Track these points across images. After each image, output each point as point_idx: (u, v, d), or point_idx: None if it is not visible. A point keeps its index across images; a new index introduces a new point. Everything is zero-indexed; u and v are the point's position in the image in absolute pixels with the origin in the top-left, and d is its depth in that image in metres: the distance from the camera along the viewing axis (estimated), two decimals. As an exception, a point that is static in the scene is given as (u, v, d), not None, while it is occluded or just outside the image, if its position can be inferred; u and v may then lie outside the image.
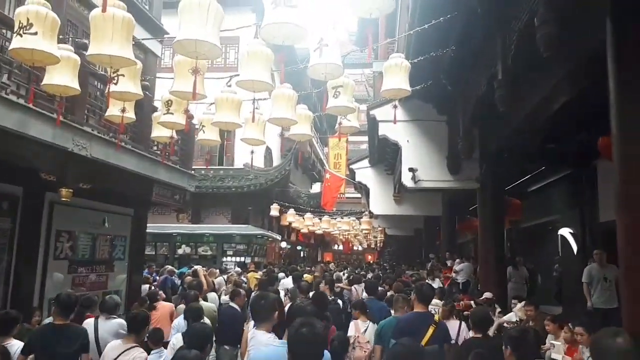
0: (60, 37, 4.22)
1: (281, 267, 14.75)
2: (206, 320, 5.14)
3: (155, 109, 6.66)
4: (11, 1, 6.18)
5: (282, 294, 7.45)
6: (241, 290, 6.76)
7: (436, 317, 4.52)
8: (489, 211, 8.65)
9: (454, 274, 11.07)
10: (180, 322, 5.30)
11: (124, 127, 6.25)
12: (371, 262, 27.92)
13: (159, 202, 9.09)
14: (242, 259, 16.31)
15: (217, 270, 11.00)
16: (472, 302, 7.24)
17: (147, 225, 9.78)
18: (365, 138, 14.69)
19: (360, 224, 21.48)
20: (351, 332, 5.00)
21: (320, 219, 21.09)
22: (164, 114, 5.11)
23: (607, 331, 2.32)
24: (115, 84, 4.28)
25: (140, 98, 4.73)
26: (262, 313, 3.42)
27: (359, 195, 23.43)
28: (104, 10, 3.28)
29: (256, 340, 3.32)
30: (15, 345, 3.91)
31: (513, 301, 6.77)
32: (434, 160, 9.48)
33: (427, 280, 9.22)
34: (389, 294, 7.00)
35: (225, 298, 7.81)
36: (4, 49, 4.93)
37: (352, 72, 15.39)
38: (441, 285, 9.52)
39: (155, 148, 8.18)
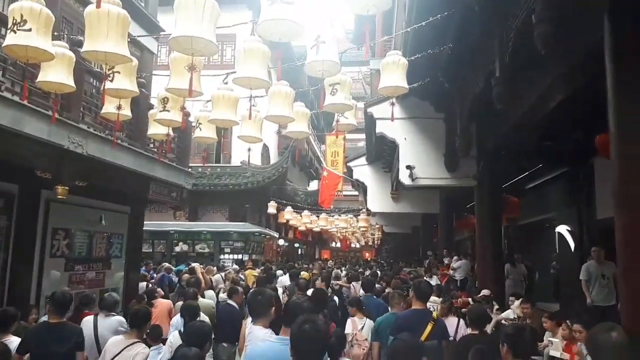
0: (55, 34, 4.18)
1: (279, 265, 14.75)
2: (205, 318, 5.15)
3: (151, 107, 6.63)
4: (6, -2, 6.14)
5: (280, 291, 7.46)
6: (239, 287, 6.75)
7: (434, 314, 4.53)
8: (487, 208, 8.65)
9: (451, 271, 11.09)
10: (178, 319, 5.29)
11: (120, 125, 6.22)
12: (369, 259, 27.95)
13: (156, 199, 9.08)
14: (240, 256, 16.30)
15: (215, 268, 11.00)
16: (469, 299, 7.24)
17: (144, 222, 9.77)
18: (363, 136, 14.68)
19: (357, 221, 21.49)
20: (348, 329, 4.99)
21: (317, 216, 21.08)
22: (160, 112, 5.08)
23: (602, 326, 2.36)
24: (111, 81, 4.26)
25: (136, 95, 4.71)
26: (259, 308, 3.43)
27: (356, 192, 23.41)
28: (98, 6, 3.25)
29: (253, 335, 3.35)
30: (14, 342, 3.93)
31: (510, 298, 6.79)
32: (431, 157, 9.46)
33: (424, 278, 9.22)
34: (387, 290, 7.00)
35: (223, 296, 7.80)
36: (-2, 45, 4.89)
37: (349, 69, 15.32)
38: (439, 283, 9.54)
39: (151, 145, 8.15)
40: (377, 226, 23.21)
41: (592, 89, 5.14)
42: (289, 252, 25.71)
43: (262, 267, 12.64)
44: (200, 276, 8.02)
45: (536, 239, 11.48)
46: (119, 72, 4.26)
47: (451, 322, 5.00)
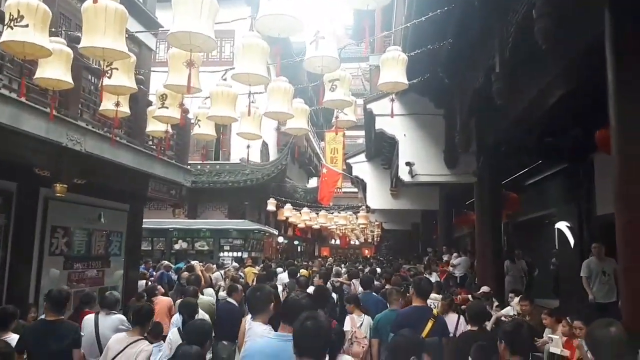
0: (53, 30, 4.16)
1: (278, 262, 14.75)
2: (205, 315, 5.14)
3: (150, 103, 6.61)
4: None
5: (279, 288, 7.45)
6: (238, 285, 6.74)
7: (435, 312, 4.52)
8: (486, 205, 8.64)
9: (451, 268, 11.09)
10: (178, 317, 5.28)
11: (119, 122, 6.19)
12: (368, 256, 27.97)
13: (155, 197, 9.06)
14: (239, 254, 16.29)
15: (214, 266, 10.99)
16: (469, 296, 7.24)
17: (144, 220, 9.74)
18: (362, 132, 14.65)
19: (357, 218, 21.52)
20: (347, 326, 4.98)
21: (317, 213, 21.08)
22: (159, 108, 5.06)
23: (601, 322, 2.38)
24: (109, 77, 4.24)
25: (134, 92, 4.69)
26: (258, 304, 3.44)
27: (355, 189, 23.41)
28: (95, 1, 3.23)
29: (252, 331, 3.36)
30: (14, 340, 3.94)
31: (510, 295, 6.78)
32: (430, 154, 9.45)
33: (424, 275, 9.22)
34: (386, 287, 7.00)
35: (222, 294, 7.79)
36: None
37: (349, 66, 15.32)
38: (438, 280, 9.53)
39: (150, 143, 8.13)
40: (376, 223, 23.22)
41: (592, 84, 5.13)
42: (288, 250, 25.71)
43: (262, 265, 12.63)
44: (200, 274, 8.01)
45: (536, 235, 11.48)
46: (117, 69, 4.24)
47: (451, 318, 5.00)
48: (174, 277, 10.09)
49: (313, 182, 28.83)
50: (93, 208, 7.90)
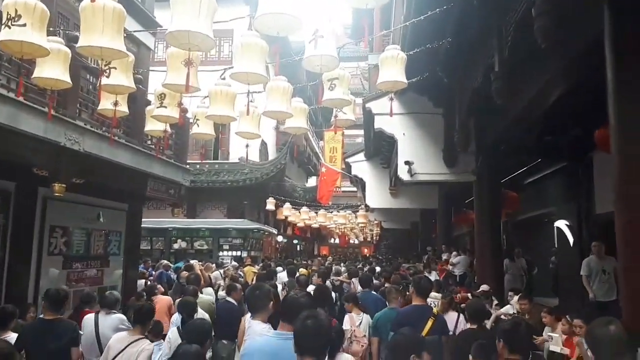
0: (51, 29, 4.15)
1: (277, 261, 14.74)
2: (204, 314, 5.14)
3: (148, 103, 6.59)
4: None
5: (279, 287, 7.44)
6: (237, 284, 6.73)
7: (435, 310, 4.53)
8: (486, 204, 8.64)
9: (450, 267, 11.09)
10: (178, 317, 5.28)
11: (117, 121, 6.18)
12: (367, 255, 27.98)
13: (154, 196, 9.04)
14: (239, 253, 16.28)
15: (214, 265, 10.98)
16: (469, 294, 7.23)
17: (143, 220, 9.73)
18: (361, 131, 14.64)
19: (356, 217, 21.51)
20: (346, 325, 4.97)
21: (316, 212, 21.07)
22: (158, 108, 5.05)
23: (601, 321, 2.39)
24: (107, 76, 4.23)
25: (132, 91, 4.68)
26: (258, 303, 3.45)
27: (355, 188, 23.41)
28: (93, 0, 3.22)
29: (252, 330, 3.38)
30: (14, 339, 3.97)
31: (510, 293, 6.78)
32: (430, 153, 9.44)
33: (424, 273, 9.23)
34: (386, 285, 7.00)
35: (222, 293, 7.78)
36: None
37: (347, 65, 15.30)
38: (437, 278, 9.53)
39: (149, 142, 8.11)
40: (375, 222, 23.21)
41: (591, 83, 5.12)
42: (287, 249, 25.71)
43: (261, 264, 12.62)
44: (199, 273, 7.99)
45: (535, 234, 11.48)
46: (115, 68, 4.23)
47: (451, 317, 5.00)
48: (173, 276, 10.08)
49: (312, 181, 28.81)
50: (92, 208, 7.89)
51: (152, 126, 5.69)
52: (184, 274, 8.30)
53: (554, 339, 4.54)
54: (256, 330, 3.27)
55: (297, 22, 3.52)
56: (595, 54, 4.07)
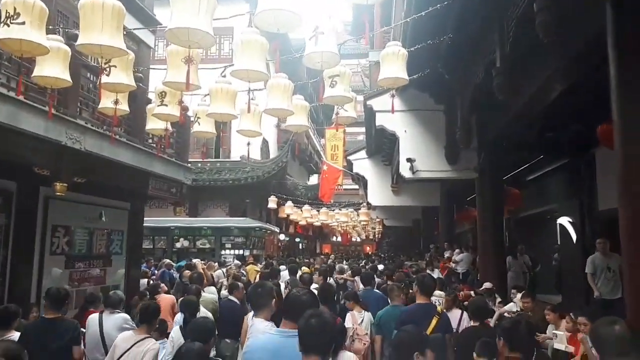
0: (50, 27, 4.14)
1: (279, 260, 14.74)
2: (207, 313, 5.14)
3: (149, 101, 6.58)
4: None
5: (282, 286, 7.44)
6: (239, 283, 6.73)
7: (439, 309, 4.53)
8: (488, 200, 8.62)
9: (453, 264, 11.07)
10: (181, 316, 5.28)
11: (118, 120, 6.17)
12: (369, 253, 27.99)
13: (156, 195, 9.04)
14: (241, 252, 16.28)
15: (216, 264, 10.99)
16: (472, 292, 7.22)
17: (145, 219, 9.73)
18: (362, 129, 14.62)
19: (358, 215, 21.50)
20: (348, 323, 4.97)
21: (318, 210, 21.06)
22: (158, 106, 5.04)
23: (605, 320, 2.41)
24: (107, 75, 4.21)
25: (133, 89, 4.66)
26: (260, 300, 3.46)
27: (356, 186, 23.38)
28: (92, -2, 3.20)
29: (255, 328, 3.38)
30: (17, 338, 3.97)
31: (513, 291, 6.75)
32: (431, 150, 9.42)
33: (427, 271, 9.21)
34: (388, 283, 6.99)
35: (225, 292, 7.79)
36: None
37: (348, 62, 15.26)
38: (440, 276, 9.52)
39: (150, 141, 8.10)
40: (377, 220, 23.20)
41: (593, 78, 5.10)
42: (290, 247, 25.72)
43: (264, 263, 12.63)
44: (202, 272, 8.00)
45: (537, 231, 11.45)
46: (115, 66, 4.22)
47: (454, 314, 5.00)
48: (176, 275, 10.09)
49: (314, 180, 28.80)
50: (94, 207, 7.88)
51: (153, 125, 5.68)
52: (187, 273, 8.30)
53: (558, 337, 4.51)
54: (259, 328, 3.27)
55: (297, 19, 3.50)
56: (597, 49, 4.05)
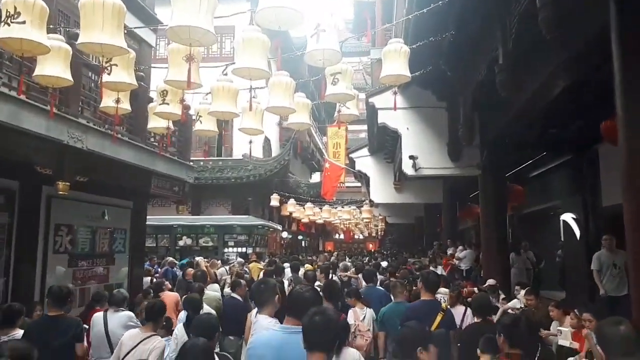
0: (51, 27, 4.13)
1: (282, 258, 14.76)
2: (211, 311, 5.14)
3: (151, 100, 6.58)
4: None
5: (286, 283, 7.45)
6: (241, 280, 6.73)
7: (444, 305, 4.54)
8: (491, 197, 8.60)
9: (456, 261, 11.06)
10: (184, 313, 5.30)
11: (120, 119, 6.17)
12: (372, 250, 27.99)
13: (158, 194, 9.05)
14: (244, 249, 16.31)
15: (219, 262, 10.99)
16: (475, 288, 7.21)
17: (147, 217, 9.74)
18: (364, 127, 14.60)
19: (360, 212, 21.44)
20: (350, 320, 4.98)
21: (320, 208, 21.06)
22: (160, 105, 5.03)
23: (610, 320, 2.45)
24: (109, 74, 4.20)
25: (134, 88, 4.66)
26: (263, 297, 3.47)
27: (359, 184, 23.38)
28: (93, -4, 3.19)
29: (258, 324, 3.39)
30: (21, 336, 4.02)
31: (516, 287, 6.74)
32: (434, 147, 9.40)
33: (430, 268, 9.20)
34: (391, 280, 6.98)
35: (228, 290, 7.79)
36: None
37: (350, 60, 15.24)
38: (443, 273, 9.52)
39: (152, 139, 8.10)
40: (380, 217, 23.20)
41: (596, 74, 5.07)
42: (292, 245, 25.74)
43: (267, 260, 12.63)
44: (205, 270, 8.00)
45: (541, 227, 11.42)
46: (116, 65, 4.21)
47: (458, 310, 5.02)
48: (179, 273, 10.10)
49: (316, 177, 28.79)
50: (96, 205, 7.90)
51: (155, 123, 5.67)
52: (190, 271, 8.31)
53: (563, 333, 4.51)
54: (262, 325, 3.28)
55: (299, 16, 3.48)
56: (600, 44, 4.02)
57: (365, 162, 15.04)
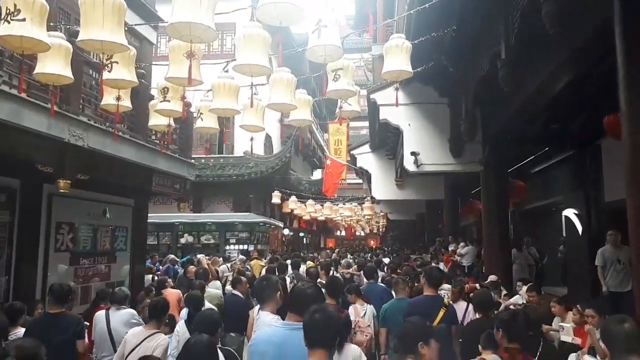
0: (52, 24, 4.11)
1: (283, 255, 14.77)
2: (213, 308, 5.14)
3: (152, 98, 6.56)
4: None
5: (288, 280, 7.44)
6: (242, 277, 6.73)
7: (446, 301, 4.54)
8: (493, 193, 8.58)
9: (458, 257, 11.05)
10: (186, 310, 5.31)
11: (121, 116, 6.16)
12: (374, 247, 27.99)
13: (160, 191, 9.05)
14: (245, 247, 16.34)
15: (220, 259, 11.00)
16: (477, 285, 7.20)
17: (149, 215, 9.74)
18: (366, 123, 14.56)
19: (362, 209, 21.46)
20: (351, 316, 4.97)
21: (322, 205, 21.06)
22: (161, 102, 5.02)
23: (614, 318, 2.47)
24: (109, 71, 4.19)
25: (135, 85, 4.65)
26: (265, 293, 3.50)
27: (360, 180, 23.35)
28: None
29: (261, 321, 3.43)
30: (22, 334, 4.05)
31: (518, 284, 6.73)
32: (436, 143, 9.36)
33: (432, 264, 9.20)
34: (393, 276, 6.97)
35: (229, 287, 7.79)
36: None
37: (351, 56, 15.20)
38: (445, 269, 9.50)
39: (153, 137, 8.09)
40: (381, 214, 23.19)
41: (599, 69, 5.05)
42: (294, 242, 25.74)
43: (269, 257, 12.63)
44: (207, 267, 8.01)
45: (543, 223, 11.40)
46: (117, 62, 4.19)
47: (461, 306, 5.02)
48: (181, 271, 10.11)
49: (317, 174, 28.79)
50: (97, 203, 7.90)
51: (156, 121, 5.66)
52: (191, 268, 8.32)
53: (565, 329, 4.50)
54: (265, 321, 3.31)
55: (300, 12, 3.47)
56: (604, 39, 3.99)
57: (367, 158, 15.01)
